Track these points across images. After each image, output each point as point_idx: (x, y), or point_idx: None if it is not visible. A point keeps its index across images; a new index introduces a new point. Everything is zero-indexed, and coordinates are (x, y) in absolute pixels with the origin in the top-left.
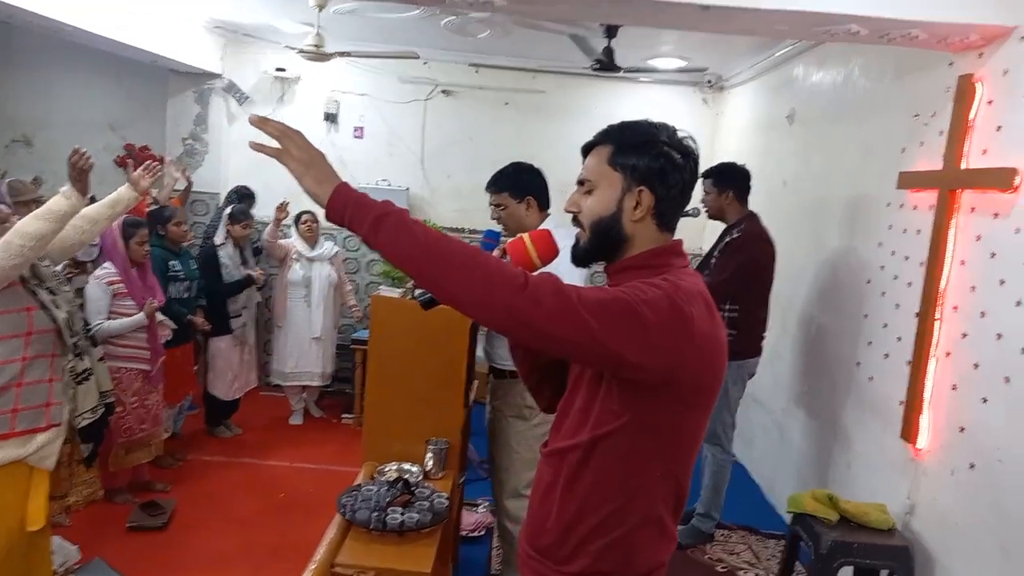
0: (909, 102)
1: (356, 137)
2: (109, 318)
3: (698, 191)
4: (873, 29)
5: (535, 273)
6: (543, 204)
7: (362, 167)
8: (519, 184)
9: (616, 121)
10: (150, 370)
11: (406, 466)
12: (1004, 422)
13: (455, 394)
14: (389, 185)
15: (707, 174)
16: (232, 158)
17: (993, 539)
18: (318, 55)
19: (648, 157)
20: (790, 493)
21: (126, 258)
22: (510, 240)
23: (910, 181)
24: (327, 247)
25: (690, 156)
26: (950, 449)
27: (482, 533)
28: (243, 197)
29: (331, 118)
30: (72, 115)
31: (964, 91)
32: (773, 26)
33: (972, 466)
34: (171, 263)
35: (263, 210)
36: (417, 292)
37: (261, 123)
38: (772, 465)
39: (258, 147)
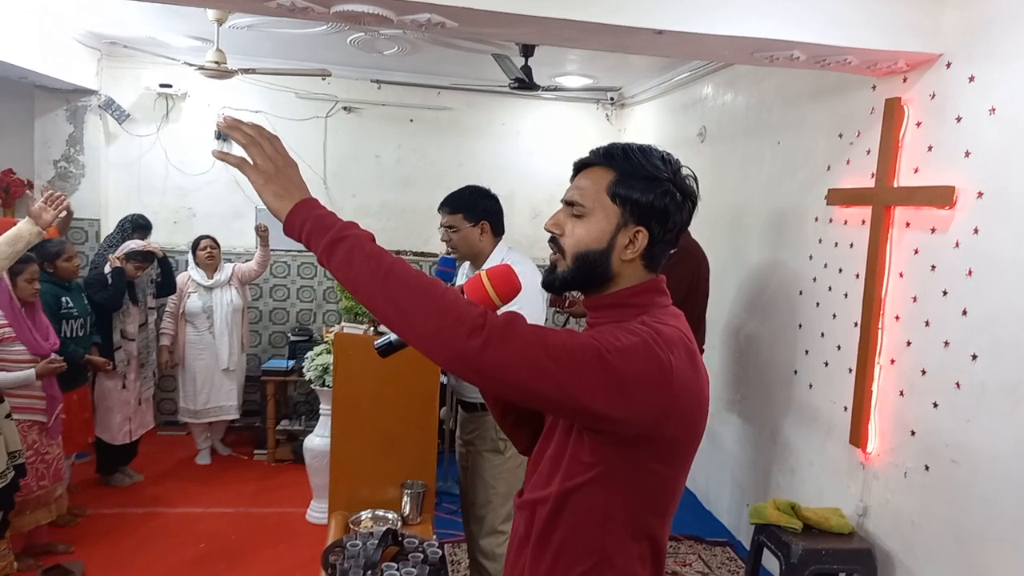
0: (831, 122)
1: None
2: None
3: None
4: (812, 55)
5: (499, 311)
6: (497, 229)
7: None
8: (475, 207)
9: (525, 137)
10: (47, 421)
11: (381, 513)
12: (957, 425)
13: (427, 432)
14: None
15: None
16: (112, 181)
17: (950, 535)
18: (220, 72)
19: (654, 195)
20: (727, 500)
21: (13, 298)
22: (468, 279)
23: (841, 198)
24: (225, 271)
25: (690, 198)
26: (901, 452)
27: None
28: (139, 227)
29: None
30: None
31: (892, 113)
32: (716, 50)
33: (927, 468)
34: (63, 299)
35: (158, 237)
36: (376, 342)
37: (230, 128)
38: (705, 473)
39: (221, 156)
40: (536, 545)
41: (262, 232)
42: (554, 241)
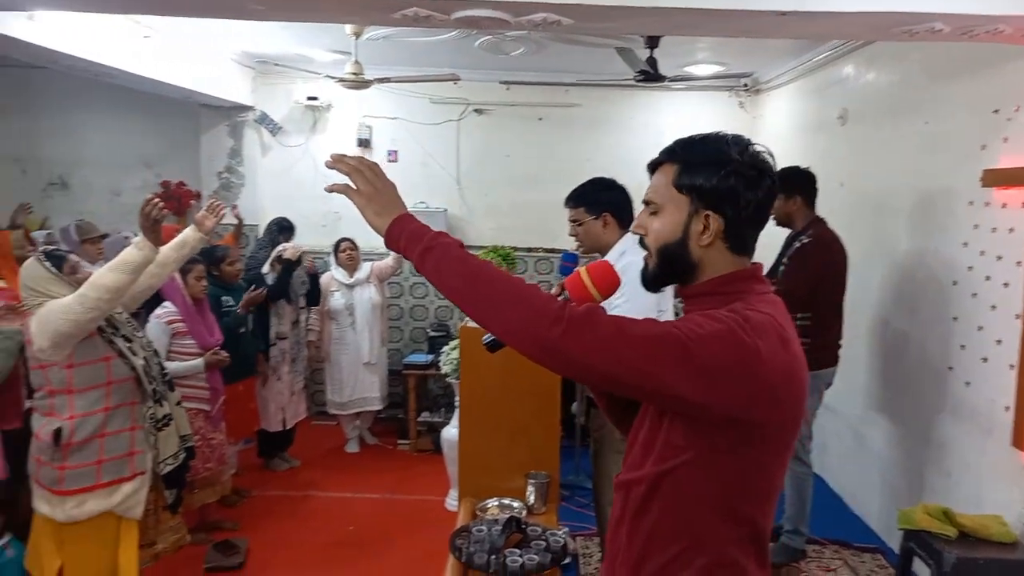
0: (985, 97)
1: (391, 161)
2: (168, 358)
3: None
4: (956, 26)
5: (586, 305)
6: (623, 221)
7: (399, 191)
8: (596, 199)
9: (654, 130)
10: (210, 410)
11: (507, 502)
12: None
13: (550, 424)
14: (427, 207)
15: None
16: (268, 189)
17: None
18: (358, 83)
19: (717, 177)
20: (876, 504)
21: (185, 296)
22: (567, 277)
23: (998, 178)
24: (364, 270)
25: (766, 173)
26: None
27: (568, 560)
28: (283, 229)
29: (365, 143)
30: (105, 154)
31: None
32: (847, 28)
33: None
34: (223, 299)
35: (306, 238)
36: (484, 337)
37: (336, 162)
38: (852, 475)
39: (330, 188)
40: (631, 525)
41: None
42: (641, 241)
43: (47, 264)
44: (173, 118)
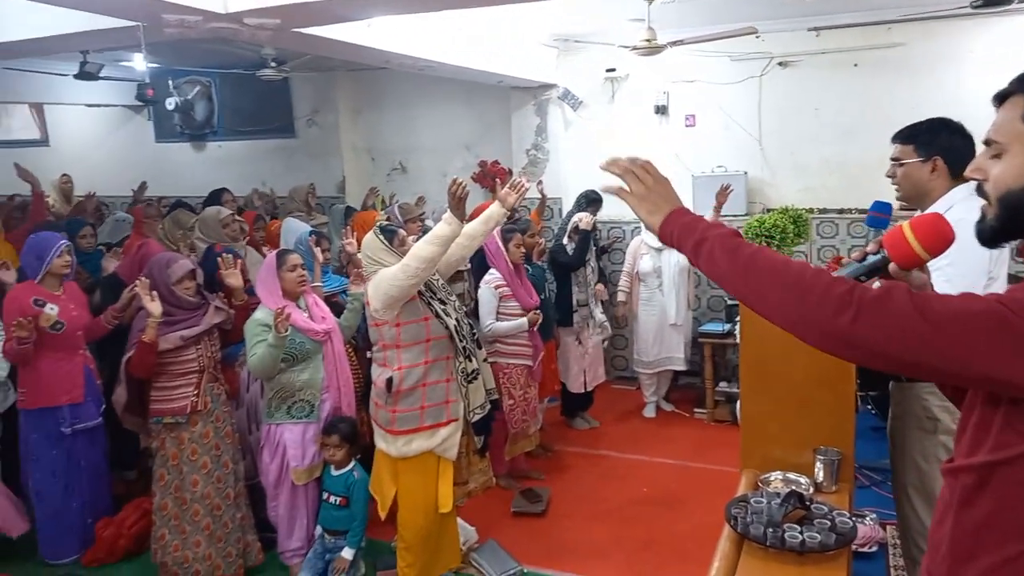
0: None
1: (688, 126)
2: (498, 319)
3: None
4: None
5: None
6: (954, 171)
7: (696, 156)
8: (930, 139)
9: (1000, 66)
10: (532, 365)
11: (792, 476)
12: None
13: (843, 397)
14: (725, 171)
15: None
16: (570, 163)
17: None
18: (650, 49)
19: None
20: None
21: (508, 262)
22: (887, 232)
23: None
24: None
25: None
26: None
27: (874, 549)
28: (591, 202)
29: (662, 110)
30: (434, 141)
31: None
32: None
33: None
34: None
35: (607, 210)
36: None
37: (609, 165)
38: None
39: (604, 188)
40: (957, 515)
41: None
42: (980, 188)
43: (381, 237)
44: (487, 102)
